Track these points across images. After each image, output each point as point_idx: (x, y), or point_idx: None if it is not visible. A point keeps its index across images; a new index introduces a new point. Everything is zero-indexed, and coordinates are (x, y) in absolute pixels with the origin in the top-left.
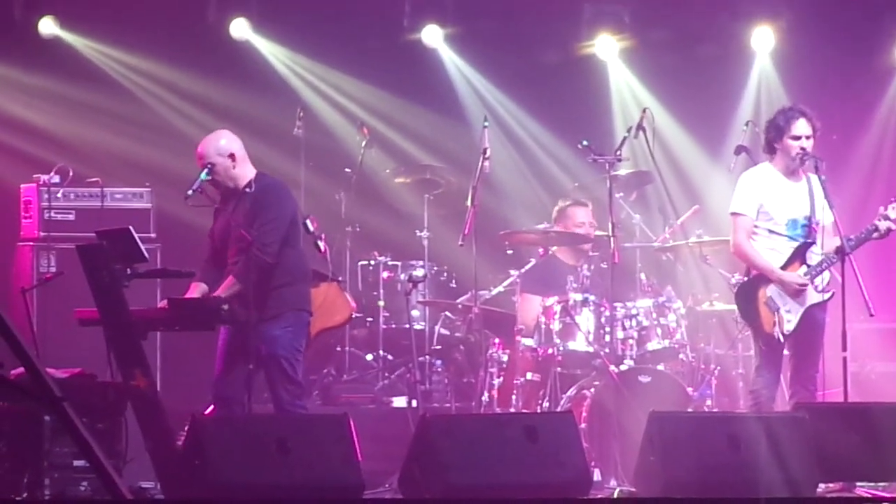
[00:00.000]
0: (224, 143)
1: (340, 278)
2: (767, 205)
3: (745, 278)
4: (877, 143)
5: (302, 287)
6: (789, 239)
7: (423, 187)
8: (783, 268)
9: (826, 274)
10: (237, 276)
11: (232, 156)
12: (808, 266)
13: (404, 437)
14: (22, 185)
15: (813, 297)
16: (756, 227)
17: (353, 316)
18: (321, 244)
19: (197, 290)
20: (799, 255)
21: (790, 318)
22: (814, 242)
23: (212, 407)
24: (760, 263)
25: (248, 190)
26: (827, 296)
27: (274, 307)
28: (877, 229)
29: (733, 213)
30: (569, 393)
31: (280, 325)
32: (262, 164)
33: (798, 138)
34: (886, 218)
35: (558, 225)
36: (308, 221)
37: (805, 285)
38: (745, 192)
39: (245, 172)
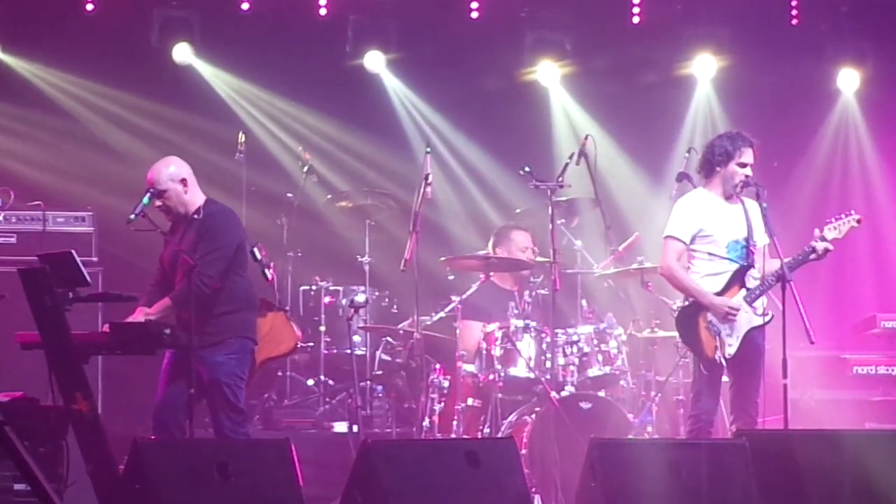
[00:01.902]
0: (174, 169)
1: (287, 308)
2: (708, 228)
3: (686, 303)
4: (821, 168)
5: (248, 314)
6: (730, 262)
7: (364, 213)
8: (722, 292)
9: (763, 297)
10: (172, 299)
11: (184, 181)
12: (748, 290)
13: (345, 462)
14: None
15: (753, 320)
16: (696, 250)
17: (299, 346)
18: (269, 272)
19: (142, 314)
20: (738, 279)
21: (731, 341)
22: (752, 266)
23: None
24: (690, 286)
25: (196, 216)
26: (767, 318)
27: (217, 333)
28: (814, 251)
29: (666, 237)
30: (510, 419)
31: (223, 351)
32: (202, 188)
33: (744, 166)
34: (823, 239)
35: (499, 249)
36: (256, 249)
37: (736, 311)
38: (681, 218)
39: (195, 198)
